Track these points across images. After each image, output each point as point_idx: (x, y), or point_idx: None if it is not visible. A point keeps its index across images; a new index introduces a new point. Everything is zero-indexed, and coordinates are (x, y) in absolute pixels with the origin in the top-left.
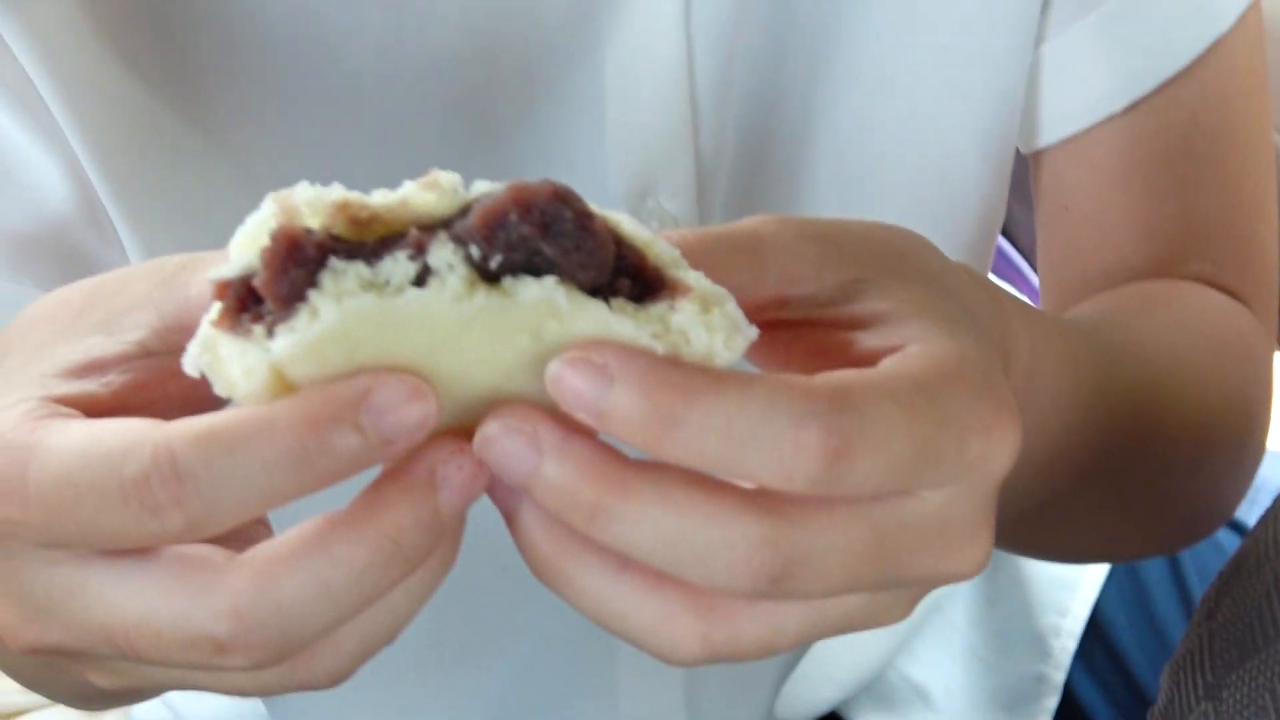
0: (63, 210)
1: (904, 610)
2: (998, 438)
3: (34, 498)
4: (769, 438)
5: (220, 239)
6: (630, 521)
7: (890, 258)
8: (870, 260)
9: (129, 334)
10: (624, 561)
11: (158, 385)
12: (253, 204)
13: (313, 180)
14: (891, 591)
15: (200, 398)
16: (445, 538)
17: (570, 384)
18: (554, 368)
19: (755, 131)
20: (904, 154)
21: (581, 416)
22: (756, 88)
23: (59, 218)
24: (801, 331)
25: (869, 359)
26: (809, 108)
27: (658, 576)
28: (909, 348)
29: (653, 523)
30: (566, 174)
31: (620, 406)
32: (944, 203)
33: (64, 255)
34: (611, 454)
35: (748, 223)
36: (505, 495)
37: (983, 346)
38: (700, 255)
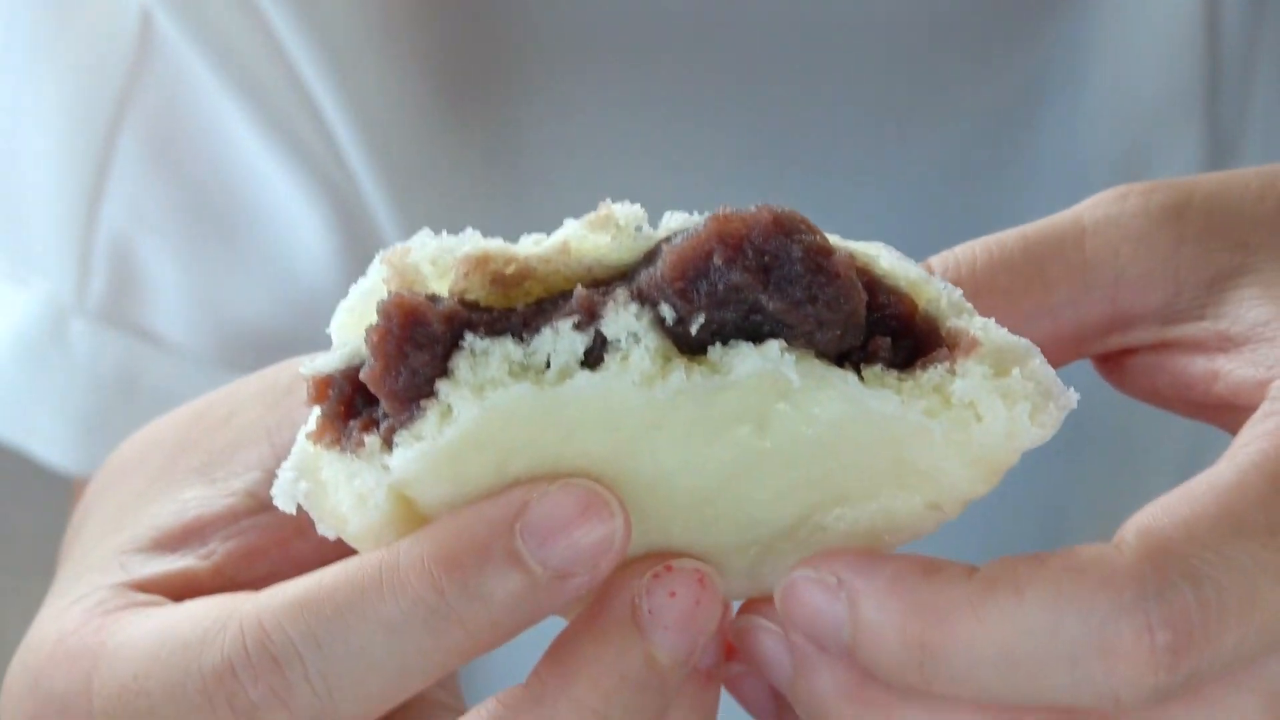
0: (314, 286)
1: None
2: None
3: (101, 718)
4: (1065, 658)
5: None
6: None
7: None
8: (1254, 234)
9: (237, 480)
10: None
11: (278, 549)
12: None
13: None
14: None
15: (338, 559)
16: (692, 689)
17: (800, 612)
18: (779, 591)
19: None
20: None
21: (831, 649)
22: None
23: (309, 296)
24: (1150, 362)
25: (1243, 400)
26: None
27: None
28: (1272, 390)
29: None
30: (1030, 148)
31: (867, 642)
32: None
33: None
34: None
35: (1067, 213)
36: (776, 657)
37: None
38: (997, 273)
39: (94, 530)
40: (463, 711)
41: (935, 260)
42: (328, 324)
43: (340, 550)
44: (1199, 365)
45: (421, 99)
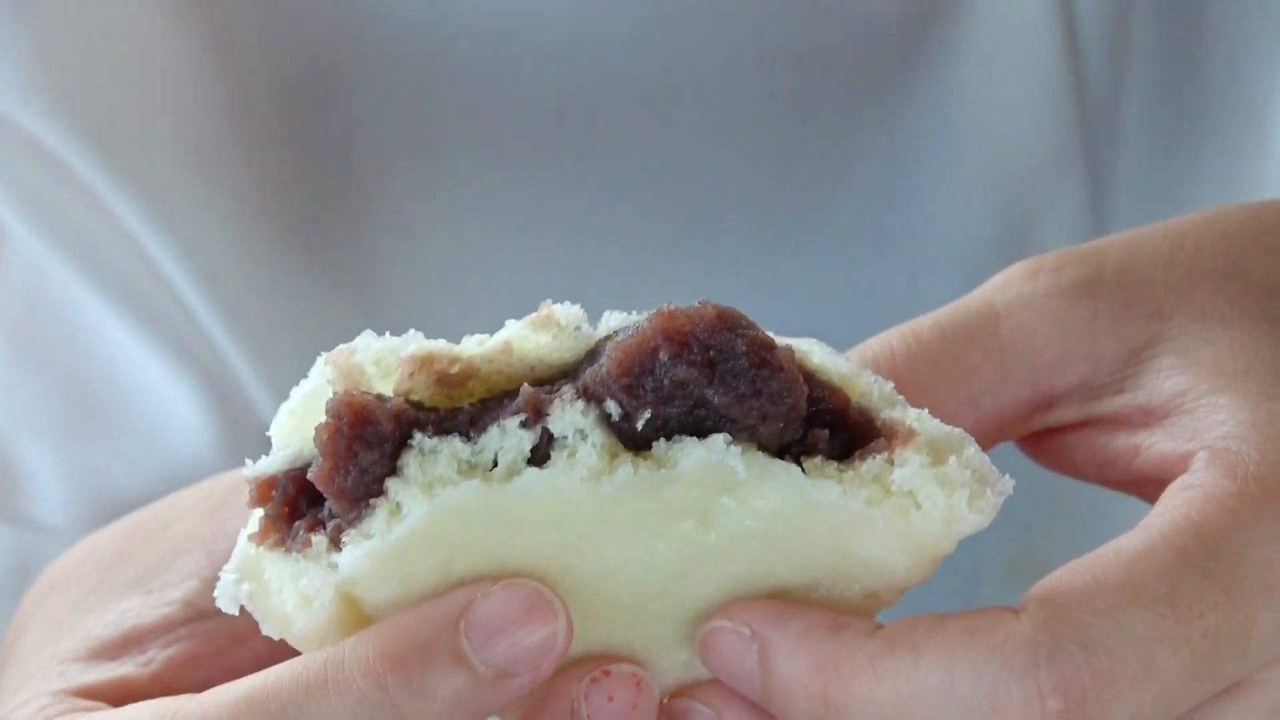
0: (190, 457)
1: None
2: None
3: None
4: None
5: None
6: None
7: (1207, 282)
8: (1166, 300)
9: (173, 589)
10: None
11: (216, 657)
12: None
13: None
14: None
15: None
16: None
17: (717, 661)
18: (701, 635)
19: (1163, 127)
20: None
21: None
22: (1158, 71)
23: (186, 467)
24: (1072, 440)
25: (1165, 473)
26: (1240, 77)
27: None
28: (1195, 463)
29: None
30: (910, 225)
31: (776, 693)
32: None
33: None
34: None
35: (978, 296)
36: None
37: None
38: (917, 366)
39: (32, 641)
40: None
41: (853, 353)
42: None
43: (277, 656)
44: (1120, 441)
45: (262, 250)
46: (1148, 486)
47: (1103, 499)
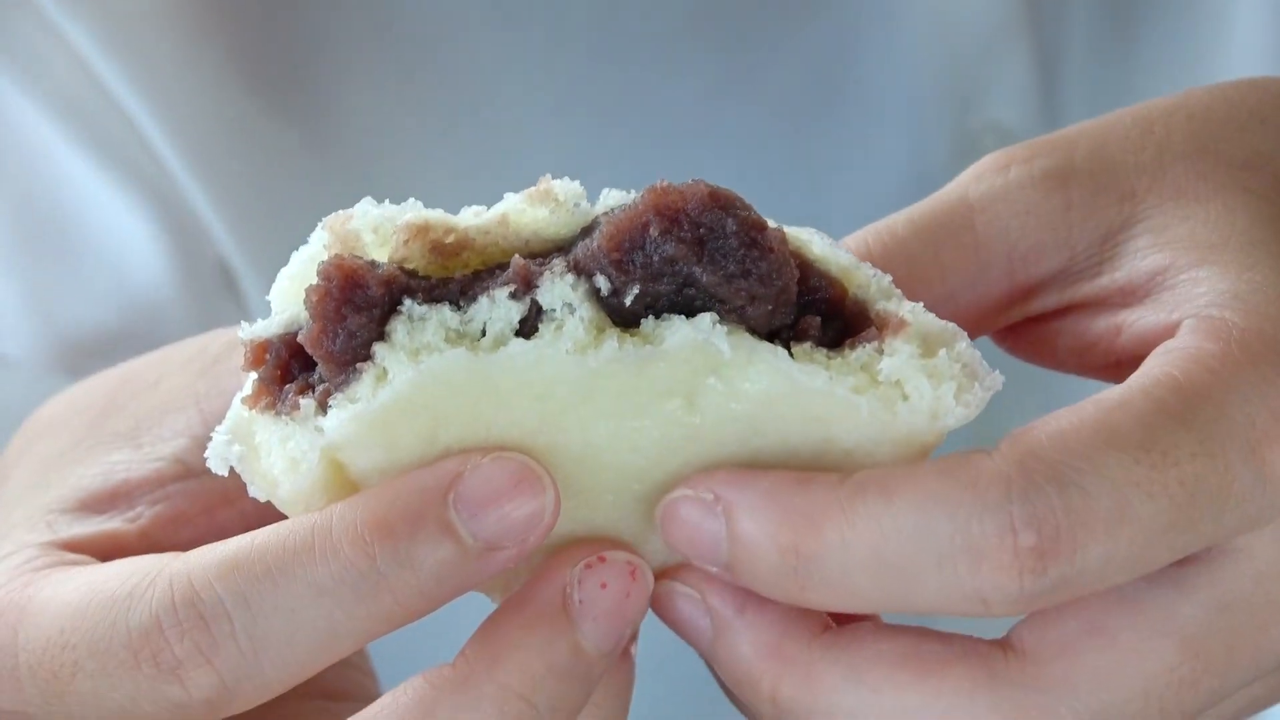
0: (148, 288)
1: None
2: None
3: (26, 675)
4: (933, 560)
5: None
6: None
7: (1178, 162)
8: (1139, 182)
9: (164, 445)
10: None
11: (204, 515)
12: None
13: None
14: (1249, 688)
15: (263, 527)
16: (613, 675)
17: (680, 531)
18: (660, 509)
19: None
20: None
21: (709, 569)
22: None
23: (144, 298)
24: (1052, 328)
25: (1146, 348)
26: None
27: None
28: (1182, 330)
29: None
30: (858, 89)
31: (743, 554)
32: None
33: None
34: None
35: (951, 190)
36: (695, 621)
37: None
38: (893, 262)
39: (18, 487)
40: (375, 685)
41: None
42: (164, 327)
43: (264, 517)
44: (1101, 322)
45: (232, 91)
46: (1131, 366)
47: None
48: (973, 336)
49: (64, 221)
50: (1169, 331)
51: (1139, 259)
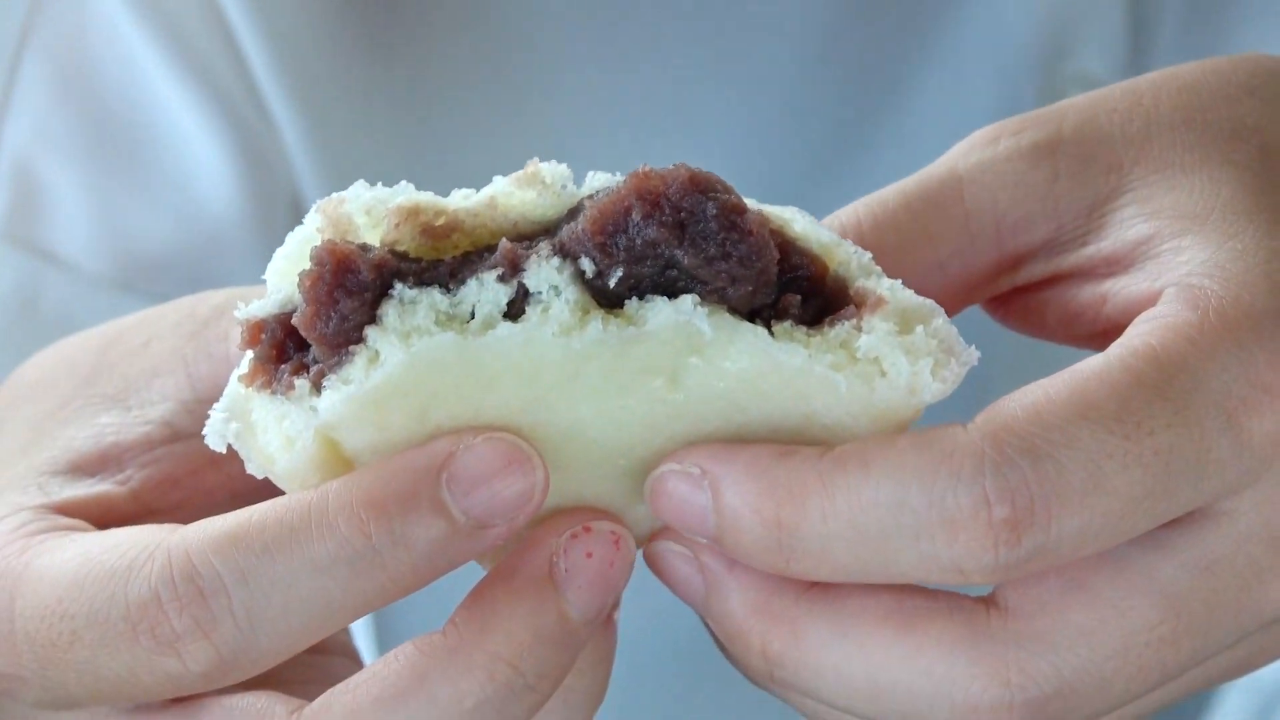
0: (216, 212)
1: (1270, 654)
2: None
3: (23, 641)
4: (910, 531)
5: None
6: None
7: (1165, 133)
8: (1126, 154)
9: (152, 409)
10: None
11: (192, 478)
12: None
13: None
14: (1233, 650)
15: (255, 493)
16: (596, 641)
17: (668, 504)
18: (649, 482)
19: None
20: None
21: (699, 540)
22: None
23: (210, 222)
24: (1039, 298)
25: (1130, 316)
26: None
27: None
28: (1162, 299)
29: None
30: (955, 36)
31: (729, 526)
32: None
33: (206, 274)
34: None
35: (942, 163)
36: (689, 579)
37: None
38: (884, 235)
39: (7, 448)
40: (355, 655)
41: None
42: (227, 254)
43: (249, 481)
44: (1087, 292)
45: (339, 30)
46: (1116, 335)
47: None
48: (962, 306)
49: (143, 133)
50: (1151, 300)
51: (1125, 229)
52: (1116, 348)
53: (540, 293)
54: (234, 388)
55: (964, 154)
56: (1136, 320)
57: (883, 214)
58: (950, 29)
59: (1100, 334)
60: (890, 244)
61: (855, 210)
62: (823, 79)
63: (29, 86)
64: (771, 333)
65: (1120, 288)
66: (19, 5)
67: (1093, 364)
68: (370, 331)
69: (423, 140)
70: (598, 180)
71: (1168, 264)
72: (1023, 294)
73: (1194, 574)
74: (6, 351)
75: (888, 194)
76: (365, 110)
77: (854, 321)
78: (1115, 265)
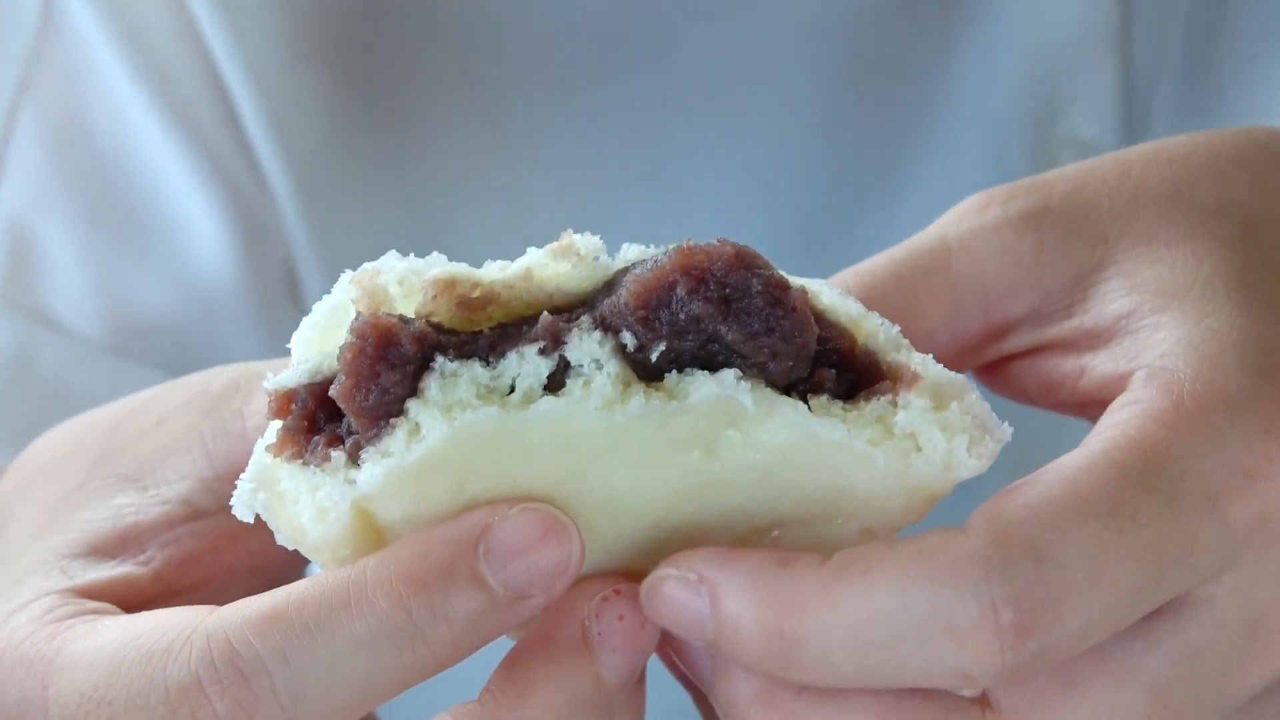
0: (211, 280)
1: None
2: (1275, 480)
3: None
4: (915, 639)
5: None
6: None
7: (1152, 207)
8: (1112, 227)
9: (170, 488)
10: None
11: (212, 556)
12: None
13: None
14: None
15: (275, 568)
16: (627, 704)
17: (664, 609)
18: (645, 586)
19: (1210, 20)
20: None
21: (697, 643)
22: None
23: (206, 289)
24: (1023, 367)
25: (1107, 394)
26: None
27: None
28: (1133, 382)
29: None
30: (947, 97)
31: (728, 634)
32: None
33: (199, 341)
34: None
35: (932, 231)
36: (698, 662)
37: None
38: (873, 303)
39: (22, 529)
40: None
41: None
42: (220, 320)
43: (269, 556)
44: (1068, 364)
45: (334, 99)
46: (1092, 408)
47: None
48: None
49: (138, 196)
50: (1124, 380)
51: (1107, 302)
52: (1099, 440)
53: (582, 366)
54: (260, 458)
55: (954, 221)
56: (1112, 407)
57: (871, 282)
58: (943, 92)
59: (1078, 405)
60: (878, 312)
61: (844, 278)
62: (818, 143)
63: (24, 148)
64: (809, 407)
65: (1098, 364)
66: (14, 66)
67: (1079, 459)
68: (412, 404)
69: (417, 208)
70: (632, 252)
71: (1145, 342)
72: (1008, 362)
73: (1179, 664)
74: (2, 414)
75: (876, 263)
76: (359, 178)
77: (890, 397)
78: (1096, 339)
